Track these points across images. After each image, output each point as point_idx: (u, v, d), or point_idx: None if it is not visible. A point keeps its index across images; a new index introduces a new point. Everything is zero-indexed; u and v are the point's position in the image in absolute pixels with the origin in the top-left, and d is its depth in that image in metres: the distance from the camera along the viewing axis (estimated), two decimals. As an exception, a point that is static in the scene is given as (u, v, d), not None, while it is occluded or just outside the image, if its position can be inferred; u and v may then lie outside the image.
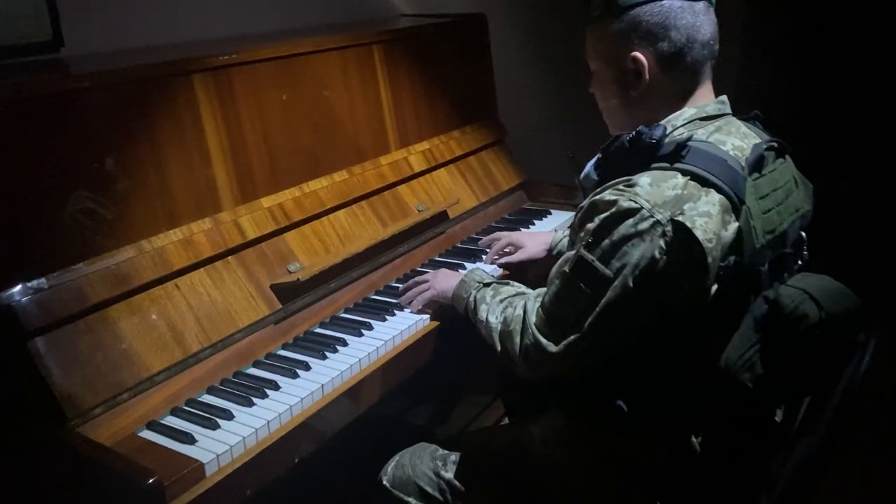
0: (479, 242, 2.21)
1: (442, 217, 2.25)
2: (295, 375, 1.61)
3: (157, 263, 1.58)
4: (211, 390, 1.57)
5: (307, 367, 1.64)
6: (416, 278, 1.92)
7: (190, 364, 1.58)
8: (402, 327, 1.81)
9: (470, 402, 2.64)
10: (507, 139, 2.68)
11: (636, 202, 1.34)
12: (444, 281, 1.84)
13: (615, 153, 1.45)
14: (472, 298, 1.71)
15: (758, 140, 1.49)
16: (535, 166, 2.80)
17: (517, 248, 2.11)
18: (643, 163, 1.41)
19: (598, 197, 1.42)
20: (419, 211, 2.20)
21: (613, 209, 1.36)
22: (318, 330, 1.82)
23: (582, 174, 1.54)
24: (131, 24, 2.07)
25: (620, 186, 1.39)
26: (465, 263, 2.14)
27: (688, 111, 1.46)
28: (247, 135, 1.82)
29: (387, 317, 1.85)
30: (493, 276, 1.78)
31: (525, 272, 2.11)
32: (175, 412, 1.50)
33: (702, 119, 1.46)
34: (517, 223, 2.44)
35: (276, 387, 1.57)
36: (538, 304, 1.51)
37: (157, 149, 1.64)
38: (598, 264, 1.38)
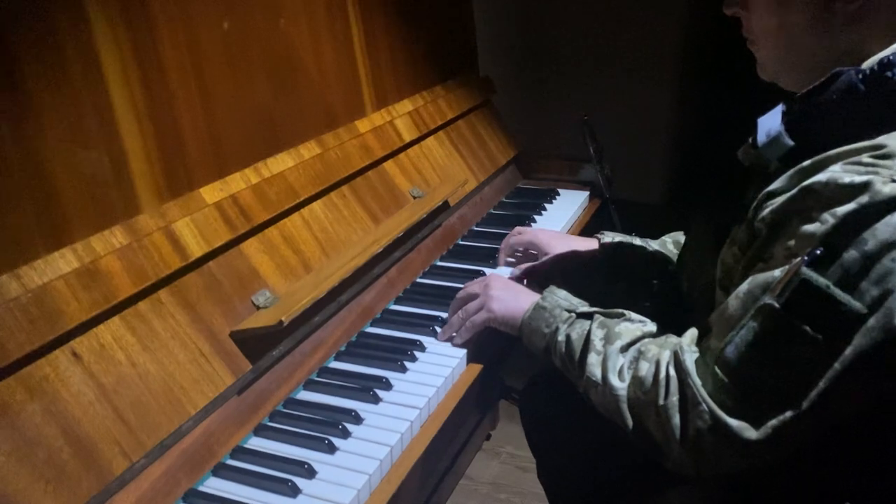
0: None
1: (441, 205, 1.60)
2: (293, 491, 0.94)
3: (36, 318, 0.86)
4: (150, 537, 0.88)
5: (308, 472, 0.97)
6: (461, 294, 1.29)
7: (112, 491, 0.87)
8: (436, 381, 1.17)
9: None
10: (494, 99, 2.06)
11: None
12: (506, 300, 1.22)
13: (834, 102, 0.89)
14: (561, 338, 1.10)
15: None
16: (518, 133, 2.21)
17: (542, 252, 1.50)
18: (888, 117, 0.86)
19: (819, 179, 0.86)
20: (414, 197, 1.55)
21: (864, 199, 0.82)
22: (305, 396, 1.15)
23: (762, 137, 0.96)
24: None
25: (865, 158, 0.84)
26: (485, 269, 1.52)
27: None
28: (173, 85, 1.11)
29: (406, 364, 1.21)
30: (583, 301, 1.18)
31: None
32: None
33: None
34: (523, 208, 1.84)
35: (265, 519, 0.90)
36: (710, 359, 0.93)
37: (24, 110, 0.90)
38: (837, 292, 0.83)
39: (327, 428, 1.06)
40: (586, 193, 1.94)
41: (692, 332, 1.00)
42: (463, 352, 1.25)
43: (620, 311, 1.12)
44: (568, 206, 1.87)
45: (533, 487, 2.35)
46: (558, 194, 1.93)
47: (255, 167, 1.24)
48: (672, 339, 1.03)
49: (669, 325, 1.11)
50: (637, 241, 1.43)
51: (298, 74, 1.37)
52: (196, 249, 1.05)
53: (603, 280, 1.61)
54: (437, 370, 1.20)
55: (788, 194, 0.89)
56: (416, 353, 1.24)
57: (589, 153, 1.93)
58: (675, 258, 1.39)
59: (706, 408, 0.90)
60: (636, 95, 3.22)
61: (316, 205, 1.32)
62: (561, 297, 1.17)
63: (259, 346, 1.09)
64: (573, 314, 1.13)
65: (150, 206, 1.05)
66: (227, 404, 1.04)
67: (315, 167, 1.33)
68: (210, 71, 1.17)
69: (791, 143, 0.92)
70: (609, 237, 1.45)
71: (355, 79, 1.53)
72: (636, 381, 1.00)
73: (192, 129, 1.13)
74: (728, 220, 1.04)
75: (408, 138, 1.59)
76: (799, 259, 0.85)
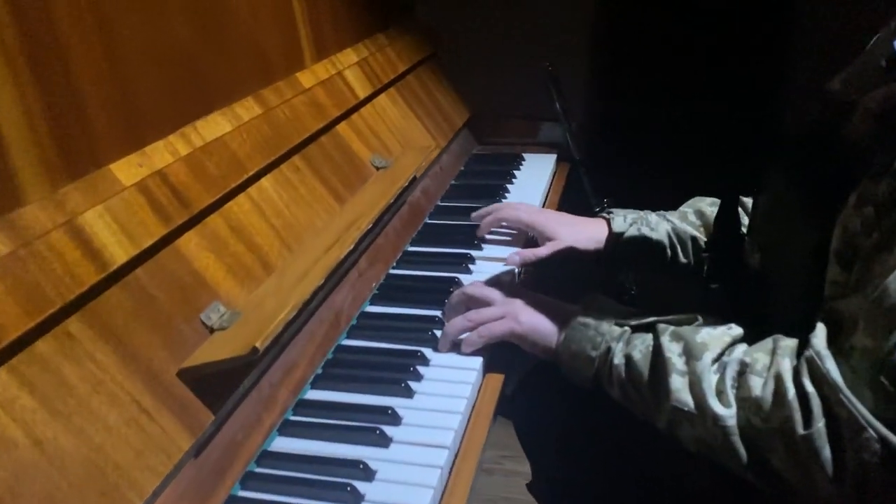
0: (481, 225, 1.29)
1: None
2: None
3: None
4: None
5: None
6: (470, 291, 0.99)
7: None
8: (457, 405, 0.89)
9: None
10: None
11: None
12: (536, 313, 0.94)
13: None
14: (618, 360, 0.86)
15: None
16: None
17: (545, 238, 1.23)
18: None
19: None
20: (377, 168, 1.24)
21: None
22: (284, 445, 0.84)
23: None
24: None
25: None
26: (473, 253, 1.23)
27: None
28: (60, 19, 0.74)
29: (412, 385, 0.91)
30: (629, 308, 0.93)
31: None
32: None
33: None
34: (490, 177, 1.56)
35: None
36: (862, 365, 0.69)
37: None
38: None
39: (329, 492, 0.75)
40: (554, 156, 1.68)
41: (823, 330, 0.74)
42: (477, 360, 0.96)
43: (690, 314, 0.87)
44: (539, 172, 1.60)
45: (501, 492, 2.10)
46: (524, 159, 1.66)
47: (183, 133, 0.89)
48: (785, 341, 0.78)
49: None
50: (653, 217, 1.19)
51: (225, 10, 1.02)
52: (118, 253, 0.70)
53: (625, 271, 1.37)
54: (454, 389, 0.91)
55: None
56: (420, 369, 0.94)
57: (555, 109, 1.67)
58: (699, 231, 1.16)
59: (874, 434, 0.66)
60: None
61: (265, 181, 0.98)
62: (607, 309, 0.91)
63: (220, 384, 0.76)
64: (626, 328, 0.87)
65: (38, 192, 0.69)
66: (181, 475, 0.71)
67: (260, 131, 0.99)
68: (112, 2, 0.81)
69: None
70: (620, 217, 1.19)
71: (290, 19, 1.19)
72: (748, 403, 0.75)
73: (91, 80, 0.77)
74: (832, 174, 0.80)
75: (361, 94, 1.27)
76: None
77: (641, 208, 1.24)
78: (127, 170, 0.79)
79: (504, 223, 1.28)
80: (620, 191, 1.52)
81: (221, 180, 0.87)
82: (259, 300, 0.84)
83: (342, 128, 1.21)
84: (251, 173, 0.93)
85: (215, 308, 0.80)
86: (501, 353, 0.99)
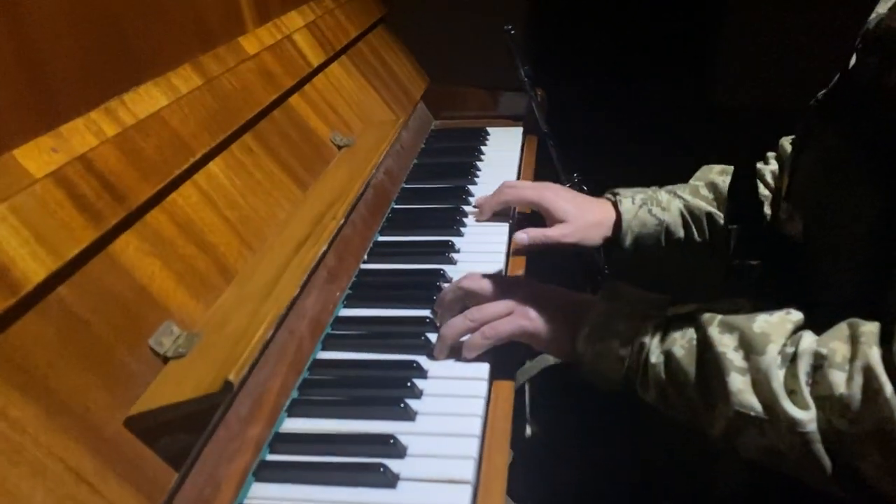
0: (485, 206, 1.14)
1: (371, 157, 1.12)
2: None
3: None
4: None
5: None
6: (467, 284, 0.84)
7: None
8: (471, 426, 0.73)
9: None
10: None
11: None
12: (549, 308, 0.80)
13: None
14: (656, 359, 0.74)
15: None
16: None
17: (553, 220, 1.08)
18: None
19: None
20: (339, 147, 1.06)
21: None
22: (263, 494, 0.66)
23: None
24: None
25: None
26: (454, 240, 1.07)
27: None
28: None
29: (411, 404, 0.75)
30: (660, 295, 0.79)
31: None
32: None
33: None
34: (455, 155, 1.40)
35: None
36: None
37: None
38: None
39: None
40: (520, 129, 1.54)
41: None
42: (484, 368, 0.81)
43: (735, 300, 0.74)
44: (508, 147, 1.46)
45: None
46: (488, 134, 1.51)
47: (108, 108, 0.70)
48: (865, 326, 0.65)
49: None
50: (663, 196, 1.06)
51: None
52: (32, 268, 0.52)
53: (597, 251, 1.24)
54: (464, 406, 0.76)
55: None
56: (418, 383, 0.78)
57: (519, 76, 1.52)
58: (713, 206, 1.04)
59: None
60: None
61: (214, 166, 0.80)
62: (633, 298, 0.77)
63: (182, 430, 0.58)
64: (660, 315, 0.74)
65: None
66: (136, 555, 0.54)
67: (204, 105, 0.81)
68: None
69: None
70: (628, 199, 1.06)
71: (227, -25, 1.00)
72: (829, 403, 0.63)
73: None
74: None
75: (314, 62, 1.09)
76: None
77: (617, 182, 1.12)
78: (37, 157, 0.60)
79: (512, 204, 1.14)
80: (591, 164, 1.41)
81: (162, 166, 0.69)
82: (222, 317, 0.66)
83: (295, 101, 1.03)
84: (198, 156, 0.74)
85: (167, 330, 0.62)
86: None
